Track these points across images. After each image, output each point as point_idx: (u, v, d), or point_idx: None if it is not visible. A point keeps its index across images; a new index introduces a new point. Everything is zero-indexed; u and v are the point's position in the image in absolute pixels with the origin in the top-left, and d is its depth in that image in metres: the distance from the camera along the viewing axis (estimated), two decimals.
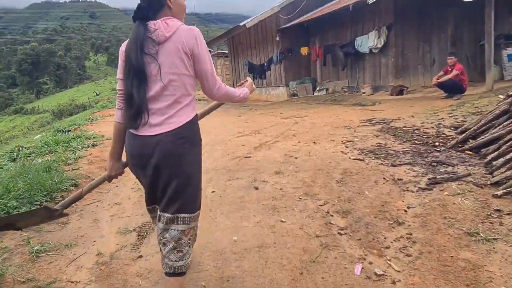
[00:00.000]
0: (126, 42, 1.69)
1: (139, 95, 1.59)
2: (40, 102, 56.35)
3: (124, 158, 1.85)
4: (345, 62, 11.30)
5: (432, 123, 5.60)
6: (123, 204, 3.29)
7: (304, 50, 12.58)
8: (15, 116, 44.80)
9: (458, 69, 7.40)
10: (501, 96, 5.41)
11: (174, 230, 1.66)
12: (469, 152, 4.01)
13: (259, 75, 14.52)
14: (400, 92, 9.30)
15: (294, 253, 2.27)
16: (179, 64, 1.62)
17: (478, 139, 4.08)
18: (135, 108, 1.60)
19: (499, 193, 2.83)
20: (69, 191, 3.47)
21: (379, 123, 6.05)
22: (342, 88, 11.79)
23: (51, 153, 5.19)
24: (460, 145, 4.24)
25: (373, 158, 4.07)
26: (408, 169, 3.64)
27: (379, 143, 4.70)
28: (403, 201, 2.95)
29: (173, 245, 1.66)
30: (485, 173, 3.33)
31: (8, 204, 2.91)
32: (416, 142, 4.63)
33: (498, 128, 3.96)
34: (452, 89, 7.52)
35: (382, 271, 2.10)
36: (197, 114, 1.77)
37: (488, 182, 3.09)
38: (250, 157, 4.49)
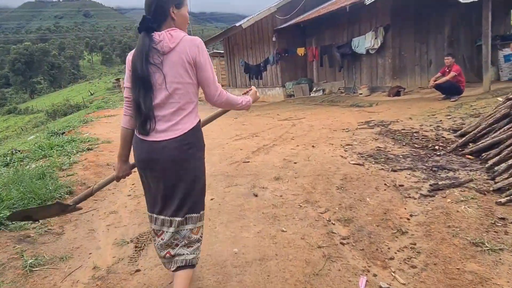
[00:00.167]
0: (132, 52, 1.75)
1: (145, 104, 1.68)
2: (34, 102, 55.88)
3: (131, 159, 1.93)
4: (342, 63, 11.26)
5: (430, 125, 5.57)
6: (120, 212, 3.21)
7: (300, 51, 12.54)
8: (8, 116, 44.35)
9: (456, 70, 7.39)
10: (500, 99, 5.40)
11: (185, 230, 1.78)
12: (470, 157, 3.97)
13: (255, 75, 14.45)
14: (397, 93, 9.28)
15: (296, 266, 2.21)
16: (183, 74, 1.69)
17: (479, 143, 4.05)
18: (143, 116, 1.68)
19: (502, 200, 2.79)
20: (64, 199, 3.38)
21: (378, 125, 6.02)
22: (339, 89, 11.75)
23: (46, 157, 5.09)
24: (460, 149, 4.21)
25: (373, 162, 4.03)
26: (409, 174, 3.60)
27: (378, 147, 4.65)
28: (405, 208, 2.90)
29: (185, 243, 1.78)
30: (487, 179, 3.29)
31: (1, 214, 2.82)
32: (416, 145, 4.59)
33: (498, 132, 3.93)
34: (450, 90, 7.50)
35: (387, 284, 2.05)
36: (200, 120, 1.85)
37: (491, 189, 3.05)
38: (248, 162, 4.43)
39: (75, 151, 5.25)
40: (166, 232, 1.77)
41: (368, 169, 3.83)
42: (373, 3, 8.32)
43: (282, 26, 12.74)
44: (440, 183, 3.27)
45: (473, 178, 3.30)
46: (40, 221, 2.77)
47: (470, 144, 4.21)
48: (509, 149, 3.50)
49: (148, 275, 2.20)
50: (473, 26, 10.01)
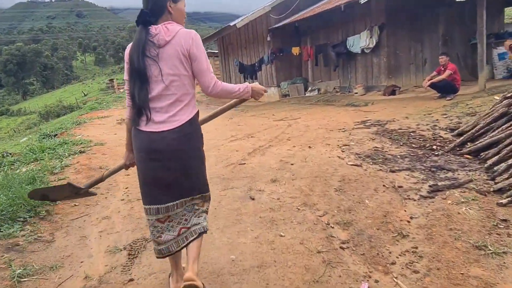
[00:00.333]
0: (130, 45, 1.79)
1: (139, 95, 1.72)
2: (26, 103, 55.33)
3: None
4: (337, 62, 11.21)
5: (427, 124, 5.53)
6: (113, 218, 3.11)
7: (295, 50, 12.47)
8: (0, 118, 43.87)
9: (451, 68, 7.37)
10: (497, 97, 5.38)
11: (195, 205, 1.89)
12: (468, 156, 3.93)
13: (250, 75, 14.36)
14: (393, 92, 9.25)
15: (296, 273, 2.14)
16: (179, 66, 1.74)
17: (477, 142, 4.01)
18: (137, 107, 1.73)
19: (503, 201, 2.74)
20: (55, 204, 3.28)
21: (374, 125, 5.97)
22: (334, 88, 11.71)
23: (37, 161, 4.97)
24: (458, 149, 4.17)
25: (371, 163, 3.97)
26: (408, 175, 3.55)
27: (375, 147, 4.60)
28: (405, 210, 2.85)
29: (195, 213, 1.88)
30: (487, 179, 3.25)
31: None
32: (413, 145, 4.55)
33: (497, 131, 3.90)
34: (445, 89, 7.48)
35: None
36: (198, 111, 1.88)
37: (491, 189, 3.01)
38: (244, 163, 4.35)
39: (67, 154, 5.13)
40: (174, 214, 1.82)
41: (366, 170, 3.77)
42: (367, 2, 8.27)
43: (276, 26, 12.66)
44: (439, 184, 3.22)
45: (472, 179, 3.25)
46: (57, 202, 2.95)
47: (468, 143, 4.17)
48: (508, 148, 3.46)
49: (142, 285, 2.12)
50: (467, 24, 10.00)
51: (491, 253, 2.18)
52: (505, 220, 2.52)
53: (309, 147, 4.90)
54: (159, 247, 1.85)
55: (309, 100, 11.00)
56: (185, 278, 1.69)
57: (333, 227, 2.70)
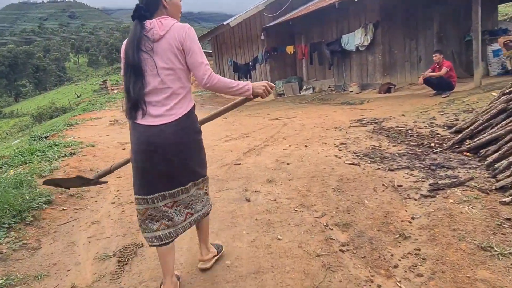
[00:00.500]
0: (126, 40, 1.79)
1: (134, 89, 1.72)
2: (19, 105, 54.70)
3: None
4: (332, 60, 11.13)
5: (424, 122, 5.46)
6: (103, 222, 2.99)
7: (289, 49, 12.37)
8: None
9: (447, 65, 7.31)
10: (494, 93, 5.31)
11: (198, 190, 1.95)
12: (467, 153, 3.86)
13: (244, 74, 14.25)
14: (388, 90, 9.19)
15: (294, 278, 2.03)
16: (173, 59, 1.74)
17: (476, 139, 3.93)
18: (132, 101, 1.73)
19: (506, 199, 2.66)
20: (42, 209, 3.14)
21: (370, 123, 5.89)
22: (329, 87, 11.64)
23: (25, 163, 4.82)
24: (457, 146, 4.09)
25: (369, 162, 3.88)
26: (407, 173, 3.46)
27: (373, 145, 4.51)
28: (406, 210, 2.75)
29: (200, 198, 1.97)
30: (488, 177, 3.17)
31: None
32: (411, 143, 4.47)
33: (496, 128, 3.82)
34: (441, 86, 7.42)
35: None
36: (194, 105, 1.89)
37: (493, 187, 2.92)
38: (239, 164, 4.24)
39: (56, 156, 4.98)
40: (181, 200, 1.87)
41: (364, 169, 3.68)
42: None
43: (270, 24, 12.56)
44: (440, 182, 3.14)
45: (473, 176, 3.17)
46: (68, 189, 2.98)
47: (467, 140, 4.09)
48: (508, 145, 3.39)
49: None
50: (461, 21, 9.98)
51: (497, 254, 2.09)
52: (509, 219, 2.44)
53: (306, 146, 4.80)
54: (168, 230, 1.85)
55: (304, 99, 10.91)
56: (199, 259, 2.14)
57: (332, 229, 2.60)
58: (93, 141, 6.31)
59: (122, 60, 1.79)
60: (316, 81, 12.24)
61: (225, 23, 13.06)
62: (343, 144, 4.72)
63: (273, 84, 2.01)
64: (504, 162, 3.17)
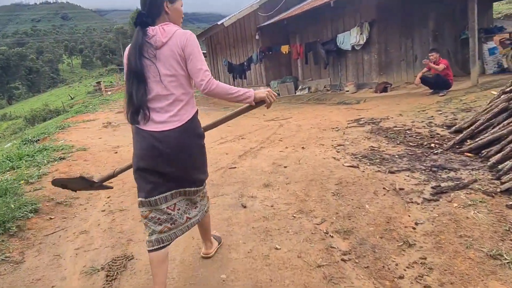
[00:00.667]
0: (129, 46, 1.80)
1: (137, 95, 1.73)
2: (12, 107, 54.13)
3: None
4: (327, 60, 11.03)
5: (422, 121, 5.37)
6: (91, 232, 2.84)
7: (284, 49, 12.25)
8: None
9: (444, 63, 7.24)
10: (494, 92, 5.23)
11: (197, 197, 2.00)
12: (469, 154, 3.76)
13: (239, 75, 14.11)
14: (384, 89, 9.10)
15: None
16: (176, 66, 1.75)
17: (477, 139, 3.83)
18: (135, 107, 1.74)
19: None
20: (27, 218, 2.99)
21: (368, 123, 5.79)
22: (325, 87, 11.53)
23: (13, 169, 4.65)
24: (457, 146, 3.99)
25: (368, 164, 3.77)
26: (408, 176, 3.35)
27: (372, 146, 4.40)
28: (409, 215, 2.64)
29: (196, 204, 2.01)
30: (492, 179, 3.07)
31: None
32: (411, 144, 4.36)
33: (498, 127, 3.73)
34: (438, 85, 7.34)
35: None
36: (197, 110, 1.90)
37: (498, 190, 2.82)
38: (235, 167, 4.11)
39: (46, 161, 4.81)
40: (178, 202, 1.89)
41: (363, 171, 3.56)
42: None
43: (265, 24, 12.43)
44: (442, 185, 3.03)
45: (477, 178, 3.07)
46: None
47: (468, 140, 3.99)
48: (511, 145, 3.29)
49: None
50: (457, 20, 9.93)
51: (508, 262, 1.98)
52: None
53: (303, 148, 4.68)
54: (170, 232, 1.86)
55: (299, 99, 10.80)
56: (203, 252, 2.28)
57: (332, 236, 2.48)
58: (85, 145, 6.14)
59: (125, 66, 1.81)
60: (312, 81, 12.14)
61: (219, 23, 12.92)
62: (341, 145, 4.61)
63: (275, 93, 1.99)
64: (508, 163, 3.07)
